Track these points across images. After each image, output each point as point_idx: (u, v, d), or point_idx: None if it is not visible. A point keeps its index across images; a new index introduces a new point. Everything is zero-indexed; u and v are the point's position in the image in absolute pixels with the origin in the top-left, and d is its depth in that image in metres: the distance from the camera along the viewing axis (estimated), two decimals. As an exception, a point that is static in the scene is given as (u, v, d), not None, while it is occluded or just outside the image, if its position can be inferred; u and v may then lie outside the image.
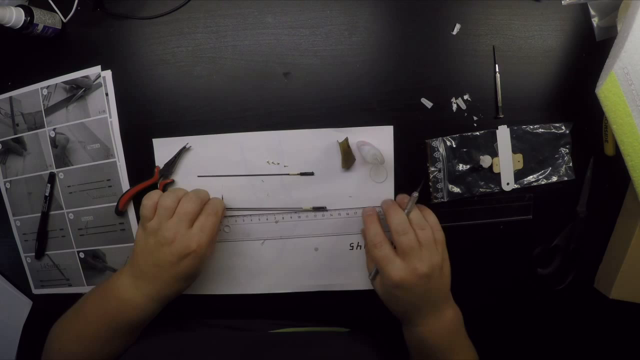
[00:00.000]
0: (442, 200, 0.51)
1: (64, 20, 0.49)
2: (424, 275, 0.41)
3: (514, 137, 0.50)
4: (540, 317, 0.57)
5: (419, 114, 0.49)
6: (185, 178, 0.50)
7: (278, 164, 0.50)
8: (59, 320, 0.46)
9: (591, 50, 0.49)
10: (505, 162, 0.50)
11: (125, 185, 0.51)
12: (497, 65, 0.49)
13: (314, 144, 0.49)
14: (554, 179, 0.51)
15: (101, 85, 0.50)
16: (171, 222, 0.42)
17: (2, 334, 0.56)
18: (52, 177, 0.52)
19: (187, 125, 0.50)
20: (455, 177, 0.50)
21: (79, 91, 0.50)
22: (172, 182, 0.50)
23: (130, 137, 0.50)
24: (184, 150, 0.49)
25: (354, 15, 0.48)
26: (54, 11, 0.48)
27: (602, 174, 0.51)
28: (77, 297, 0.47)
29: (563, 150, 0.51)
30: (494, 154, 0.50)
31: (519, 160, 0.50)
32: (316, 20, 0.48)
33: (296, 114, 0.49)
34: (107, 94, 0.50)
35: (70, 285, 0.55)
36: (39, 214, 0.53)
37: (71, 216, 0.53)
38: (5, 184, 0.54)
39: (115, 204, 0.51)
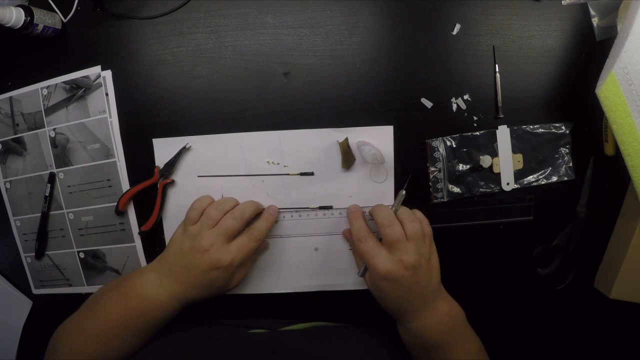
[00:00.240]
0: (442, 200, 0.51)
1: (64, 20, 0.49)
2: (411, 266, 0.41)
3: (514, 137, 0.50)
4: (540, 317, 0.57)
5: (419, 114, 0.49)
6: (185, 178, 0.50)
7: (278, 164, 0.50)
8: (67, 321, 0.45)
9: (591, 50, 0.49)
10: (505, 162, 0.50)
11: (125, 185, 0.51)
12: (497, 65, 0.49)
13: (314, 144, 0.49)
14: (554, 179, 0.51)
15: (101, 85, 0.50)
16: (211, 232, 0.43)
17: (2, 334, 0.56)
18: (52, 177, 0.52)
19: (187, 125, 0.50)
20: (455, 177, 0.50)
21: (79, 91, 0.50)
22: (172, 182, 0.50)
23: (130, 137, 0.50)
24: (184, 150, 0.49)
25: (354, 15, 0.48)
26: (54, 11, 0.48)
27: (602, 174, 0.51)
28: (77, 297, 0.47)
29: (563, 150, 0.51)
30: (494, 154, 0.50)
31: (519, 160, 0.50)
32: (316, 20, 0.48)
33: (296, 114, 0.49)
34: (107, 94, 0.50)
35: (70, 285, 0.55)
36: (39, 214, 0.53)
37: (71, 216, 0.53)
38: (5, 184, 0.54)
39: (115, 204, 0.51)
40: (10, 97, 0.52)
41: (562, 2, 0.48)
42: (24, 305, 0.56)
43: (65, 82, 0.50)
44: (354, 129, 0.49)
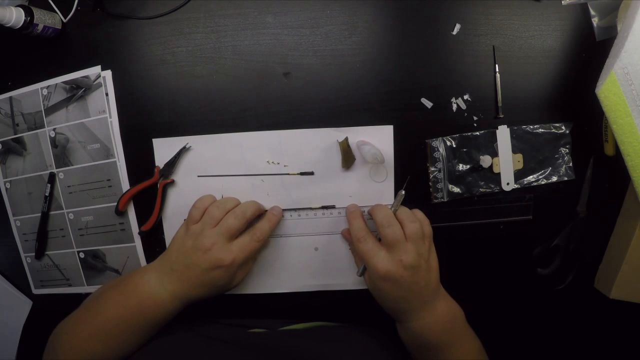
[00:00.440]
0: (442, 200, 0.51)
1: (64, 20, 0.49)
2: (410, 266, 0.41)
3: (514, 137, 0.50)
4: (540, 317, 0.57)
5: (419, 114, 0.49)
6: (185, 178, 0.50)
7: (278, 163, 0.50)
8: (66, 320, 0.45)
9: (591, 50, 0.49)
10: (505, 162, 0.50)
11: (125, 185, 0.51)
12: (497, 65, 0.49)
13: (314, 144, 0.49)
14: (554, 179, 0.51)
15: (101, 85, 0.50)
16: (212, 231, 0.43)
17: (2, 334, 0.56)
18: (52, 177, 0.52)
19: (187, 125, 0.50)
20: (455, 177, 0.50)
21: (79, 91, 0.50)
22: (172, 182, 0.50)
23: (130, 137, 0.50)
24: (184, 150, 0.49)
25: (354, 15, 0.48)
26: (54, 11, 0.48)
27: (602, 174, 0.51)
28: (77, 297, 0.47)
29: (563, 150, 0.51)
30: (494, 154, 0.50)
31: (519, 160, 0.50)
32: (316, 20, 0.48)
33: (296, 114, 0.49)
34: (107, 94, 0.50)
35: (70, 285, 0.55)
36: (39, 214, 0.53)
37: (71, 216, 0.53)
38: (5, 184, 0.54)
39: (115, 204, 0.51)
40: (10, 97, 0.52)
41: (562, 2, 0.48)
42: (24, 305, 0.56)
43: (65, 82, 0.50)
44: (354, 128, 0.49)
